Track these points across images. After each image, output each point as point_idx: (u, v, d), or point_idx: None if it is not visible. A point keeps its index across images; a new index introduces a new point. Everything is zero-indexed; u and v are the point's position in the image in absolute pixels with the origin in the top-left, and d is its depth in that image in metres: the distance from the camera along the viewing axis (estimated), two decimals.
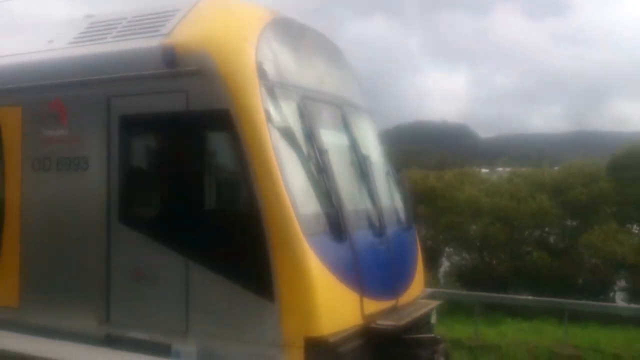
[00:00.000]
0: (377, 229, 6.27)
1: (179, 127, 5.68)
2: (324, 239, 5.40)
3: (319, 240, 5.31)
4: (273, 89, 5.65)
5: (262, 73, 5.59)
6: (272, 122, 5.44)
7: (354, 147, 6.65)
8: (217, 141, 5.71)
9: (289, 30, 6.37)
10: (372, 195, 6.51)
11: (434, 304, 6.80)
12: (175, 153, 5.72)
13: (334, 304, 5.29)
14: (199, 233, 5.51)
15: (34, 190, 6.49)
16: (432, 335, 6.28)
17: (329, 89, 6.67)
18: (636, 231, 26.81)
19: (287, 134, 5.57)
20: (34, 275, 6.46)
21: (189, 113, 5.57)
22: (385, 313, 5.97)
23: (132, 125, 5.93)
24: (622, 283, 25.61)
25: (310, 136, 5.81)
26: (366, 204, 6.39)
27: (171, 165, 5.74)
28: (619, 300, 24.12)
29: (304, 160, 5.65)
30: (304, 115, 5.86)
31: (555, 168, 29.92)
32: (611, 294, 25.20)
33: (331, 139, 6.22)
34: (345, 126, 6.66)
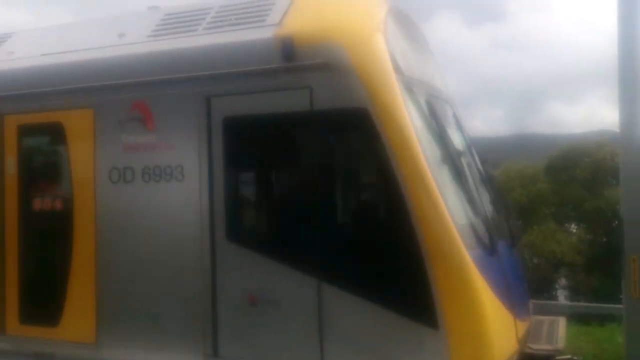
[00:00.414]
0: (509, 239, 5.66)
1: (301, 129, 4.94)
2: (480, 253, 4.73)
3: (477, 255, 4.64)
4: (408, 84, 4.97)
5: (396, 66, 4.90)
6: (413, 122, 4.76)
7: (469, 148, 6.03)
8: (350, 144, 5.01)
9: (402, 18, 5.68)
10: (492, 202, 5.89)
11: (560, 320, 6.21)
12: (298, 159, 4.98)
13: (499, 328, 4.64)
14: (332, 250, 4.77)
15: (112, 205, 5.61)
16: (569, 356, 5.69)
17: (437, 84, 6.02)
18: (573, 230, 27.55)
19: (427, 136, 4.90)
20: (115, 305, 5.58)
21: (315, 113, 4.83)
22: (527, 334, 5.36)
23: (239, 128, 5.15)
24: (562, 281, 26.08)
25: (444, 137, 5.15)
26: (489, 212, 5.76)
27: (294, 173, 4.99)
28: (562, 298, 24.33)
29: (445, 164, 4.99)
30: (434, 114, 5.19)
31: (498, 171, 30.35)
32: (553, 292, 25.42)
33: (455, 140, 5.57)
34: (458, 125, 6.03)
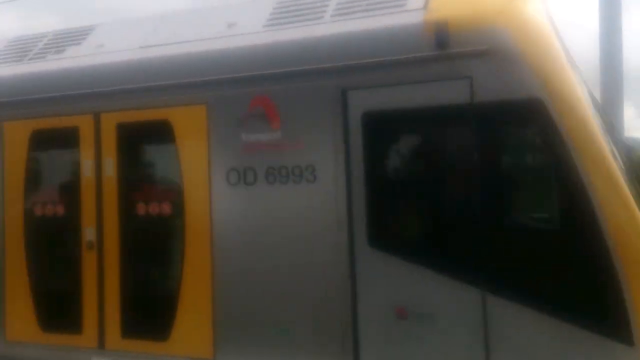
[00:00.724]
0: None
1: (459, 124, 4.46)
2: None
3: None
4: (576, 72, 4.50)
5: (566, 52, 4.43)
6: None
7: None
8: (520, 139, 4.53)
9: None
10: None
11: None
12: (457, 157, 4.50)
13: None
14: (501, 257, 4.30)
15: (231, 209, 5.14)
16: None
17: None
18: None
19: (599, 130, 4.42)
20: (235, 317, 5.10)
21: (476, 105, 4.35)
22: None
23: (381, 124, 4.67)
24: None
25: (604, 128, 4.68)
26: None
27: (453, 173, 4.50)
28: None
29: (616, 161, 4.51)
30: (596, 105, 4.73)
31: None
32: None
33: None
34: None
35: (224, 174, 5.14)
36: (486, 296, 4.30)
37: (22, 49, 6.51)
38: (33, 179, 6.05)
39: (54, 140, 5.99)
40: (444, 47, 4.44)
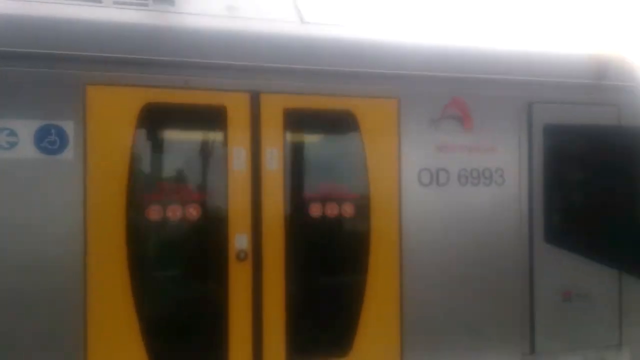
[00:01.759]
0: None
1: (610, 142, 5.60)
2: None
3: None
4: None
5: None
6: None
7: None
8: None
9: None
10: None
11: None
12: (609, 167, 5.59)
13: None
14: (631, 246, 5.64)
15: (423, 209, 5.01)
16: None
17: None
18: None
19: None
20: (424, 323, 5.04)
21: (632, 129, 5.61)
22: None
23: (558, 135, 5.42)
24: None
25: None
26: None
27: (610, 185, 5.58)
28: None
29: None
30: None
31: None
32: None
33: None
34: None
35: (416, 174, 4.99)
36: (621, 275, 5.62)
37: None
38: (140, 169, 4.38)
39: (180, 120, 4.50)
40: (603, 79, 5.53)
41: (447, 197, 5.09)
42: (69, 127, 4.15)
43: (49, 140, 4.11)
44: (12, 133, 4.05)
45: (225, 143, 4.52)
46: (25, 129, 4.07)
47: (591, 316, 5.56)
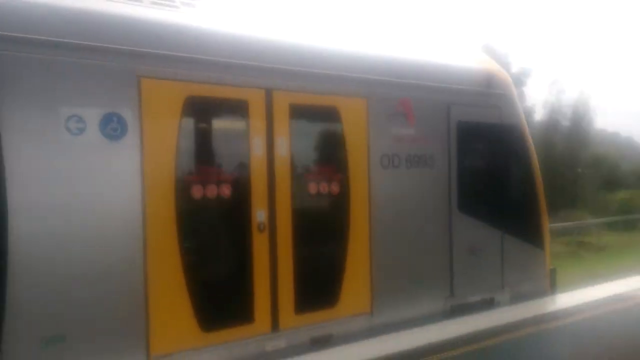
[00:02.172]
0: None
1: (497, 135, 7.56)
2: None
3: None
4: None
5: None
6: None
7: None
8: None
9: None
10: None
11: None
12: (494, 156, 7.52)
13: None
14: (509, 214, 7.68)
15: (383, 187, 6.35)
16: None
17: None
18: None
19: None
20: (387, 276, 6.39)
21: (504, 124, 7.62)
22: None
23: (467, 130, 7.18)
24: None
25: None
26: None
27: (496, 165, 7.49)
28: None
29: None
30: None
31: None
32: None
33: None
34: None
35: (379, 159, 6.32)
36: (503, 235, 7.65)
37: None
38: (183, 154, 4.98)
39: (213, 111, 5.17)
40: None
41: (399, 177, 6.52)
42: (128, 115, 4.64)
43: (112, 127, 4.56)
44: (80, 120, 4.42)
45: (247, 132, 5.35)
46: (92, 116, 4.47)
47: (485, 265, 7.47)
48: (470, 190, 7.41)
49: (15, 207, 4.15)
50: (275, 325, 5.53)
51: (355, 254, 6.12)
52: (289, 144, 5.61)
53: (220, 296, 5.25)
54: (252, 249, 5.36)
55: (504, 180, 7.66)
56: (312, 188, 5.83)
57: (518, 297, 7.79)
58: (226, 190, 5.21)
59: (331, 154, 6.12)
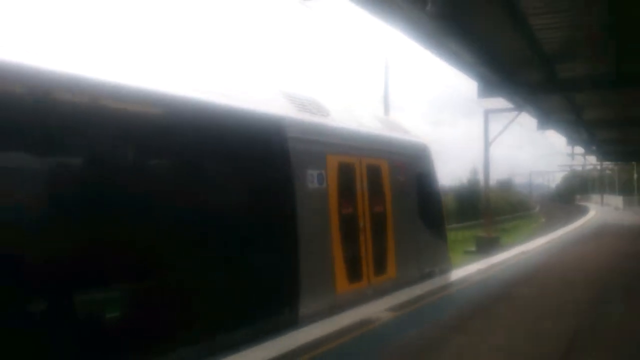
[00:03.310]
0: None
1: None
2: None
3: None
4: None
5: None
6: None
7: None
8: None
9: None
10: None
11: None
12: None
13: None
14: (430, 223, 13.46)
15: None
16: None
17: None
18: None
19: None
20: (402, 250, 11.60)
21: None
22: None
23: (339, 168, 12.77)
24: None
25: None
26: None
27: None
28: None
29: None
30: None
31: None
32: None
33: None
34: None
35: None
36: None
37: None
38: (343, 195, 9.67)
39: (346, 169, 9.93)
40: None
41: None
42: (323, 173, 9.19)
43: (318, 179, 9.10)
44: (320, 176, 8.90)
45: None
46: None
47: (427, 252, 13.07)
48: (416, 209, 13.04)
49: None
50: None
51: (385, 233, 11.19)
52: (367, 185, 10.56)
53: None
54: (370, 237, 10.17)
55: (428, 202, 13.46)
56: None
57: (442, 271, 13.56)
58: (350, 208, 9.95)
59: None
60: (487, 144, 24.55)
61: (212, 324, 6.81)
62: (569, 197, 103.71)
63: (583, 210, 59.90)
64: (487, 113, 36.11)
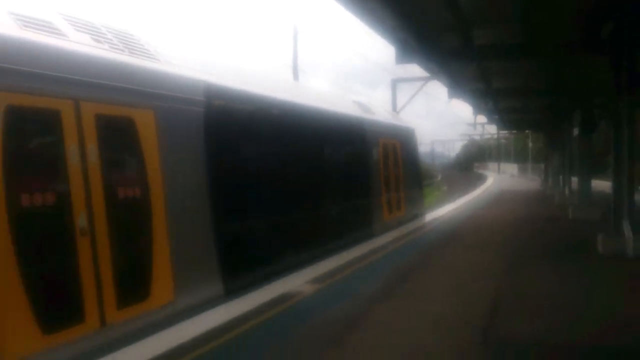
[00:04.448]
0: None
1: None
2: None
3: None
4: None
5: None
6: None
7: None
8: None
9: None
10: None
11: None
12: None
13: None
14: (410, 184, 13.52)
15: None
16: None
17: None
18: None
19: None
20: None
21: None
22: None
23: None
24: None
25: None
26: None
27: None
28: None
29: None
30: None
31: None
32: None
33: None
34: None
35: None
36: None
37: None
38: None
39: None
40: None
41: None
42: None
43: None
44: None
45: None
46: None
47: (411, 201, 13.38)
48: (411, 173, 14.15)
49: None
50: None
51: None
52: None
53: None
54: None
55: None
56: None
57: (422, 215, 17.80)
58: None
59: None
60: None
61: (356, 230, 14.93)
62: (468, 165, 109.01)
63: (482, 178, 63.28)
64: (395, 82, 36.63)
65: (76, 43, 6.86)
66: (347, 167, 14.91)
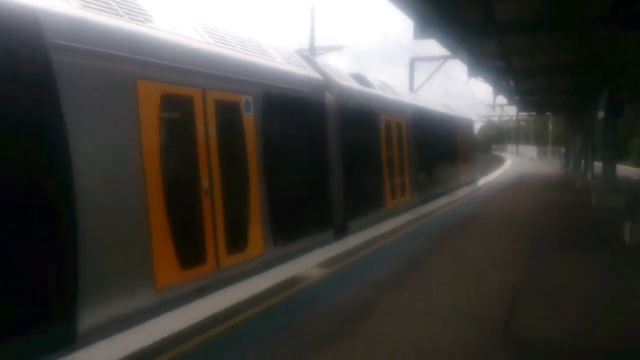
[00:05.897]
0: None
1: None
2: None
3: None
4: None
5: None
6: None
7: None
8: None
9: None
10: None
11: None
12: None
13: None
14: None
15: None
16: None
17: None
18: None
19: None
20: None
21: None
22: None
23: None
24: None
25: None
26: None
27: None
28: None
29: None
30: None
31: None
32: None
33: None
34: None
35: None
36: None
37: None
38: None
39: None
40: None
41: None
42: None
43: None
44: None
45: None
46: None
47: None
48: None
49: None
50: None
51: None
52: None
53: None
54: None
55: None
56: None
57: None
58: None
59: None
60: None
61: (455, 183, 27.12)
62: (486, 147, 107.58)
63: (500, 160, 62.10)
64: (413, 61, 35.43)
65: (208, 44, 8.82)
66: (448, 146, 26.19)
